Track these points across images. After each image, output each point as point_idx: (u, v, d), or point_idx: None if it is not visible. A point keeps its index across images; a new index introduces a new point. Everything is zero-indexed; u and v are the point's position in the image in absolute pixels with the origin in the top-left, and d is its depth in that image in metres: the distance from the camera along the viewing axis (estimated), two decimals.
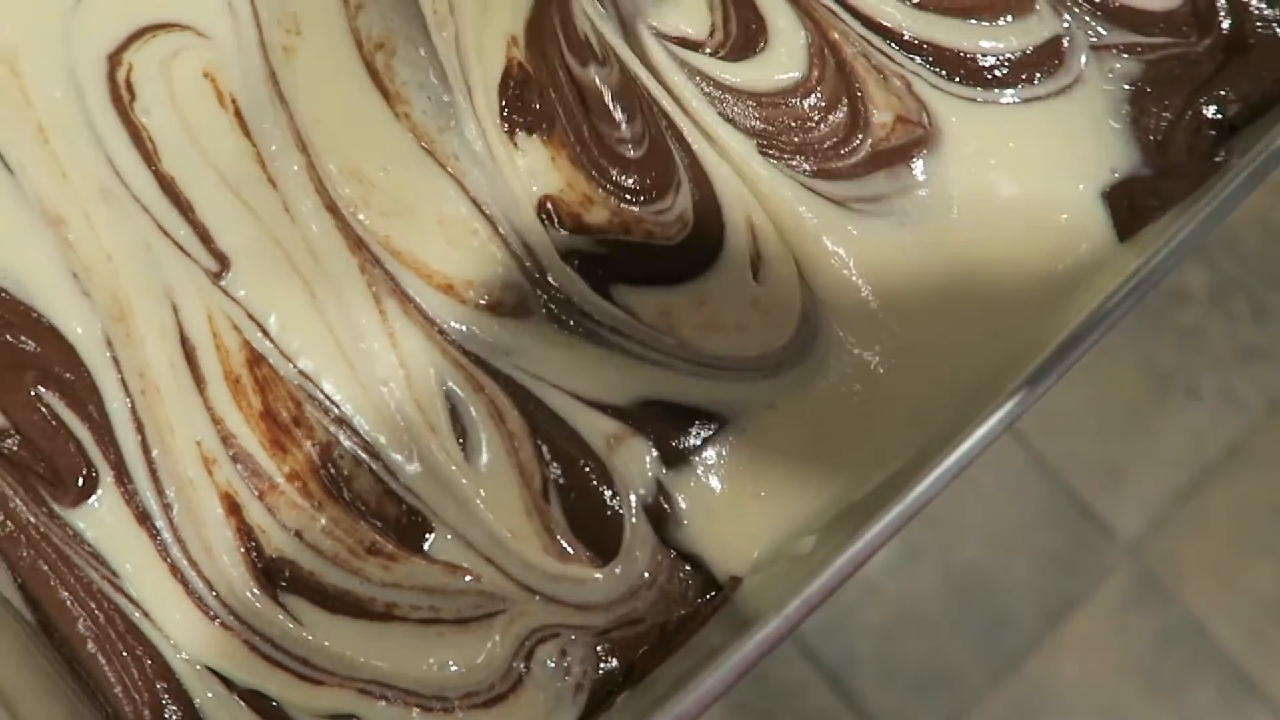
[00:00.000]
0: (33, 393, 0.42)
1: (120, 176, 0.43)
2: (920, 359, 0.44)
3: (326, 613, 0.41)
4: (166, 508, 0.41)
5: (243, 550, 0.41)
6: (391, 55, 0.45)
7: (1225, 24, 0.48)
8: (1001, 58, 0.47)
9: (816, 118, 0.46)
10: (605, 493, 0.43)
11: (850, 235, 0.45)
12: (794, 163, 0.45)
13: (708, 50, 0.47)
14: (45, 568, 0.40)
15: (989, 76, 0.47)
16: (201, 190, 0.43)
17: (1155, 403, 0.93)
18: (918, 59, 0.47)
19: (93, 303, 0.42)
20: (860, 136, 0.46)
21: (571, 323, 0.44)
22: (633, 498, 0.43)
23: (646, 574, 0.42)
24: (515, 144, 0.44)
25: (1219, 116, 0.47)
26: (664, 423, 0.44)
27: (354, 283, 0.43)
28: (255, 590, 0.41)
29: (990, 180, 0.46)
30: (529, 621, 0.41)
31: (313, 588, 0.41)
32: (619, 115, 0.44)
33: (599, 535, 0.42)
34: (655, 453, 0.43)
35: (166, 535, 0.41)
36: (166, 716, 0.40)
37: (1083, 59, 0.48)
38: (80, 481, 0.41)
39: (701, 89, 0.46)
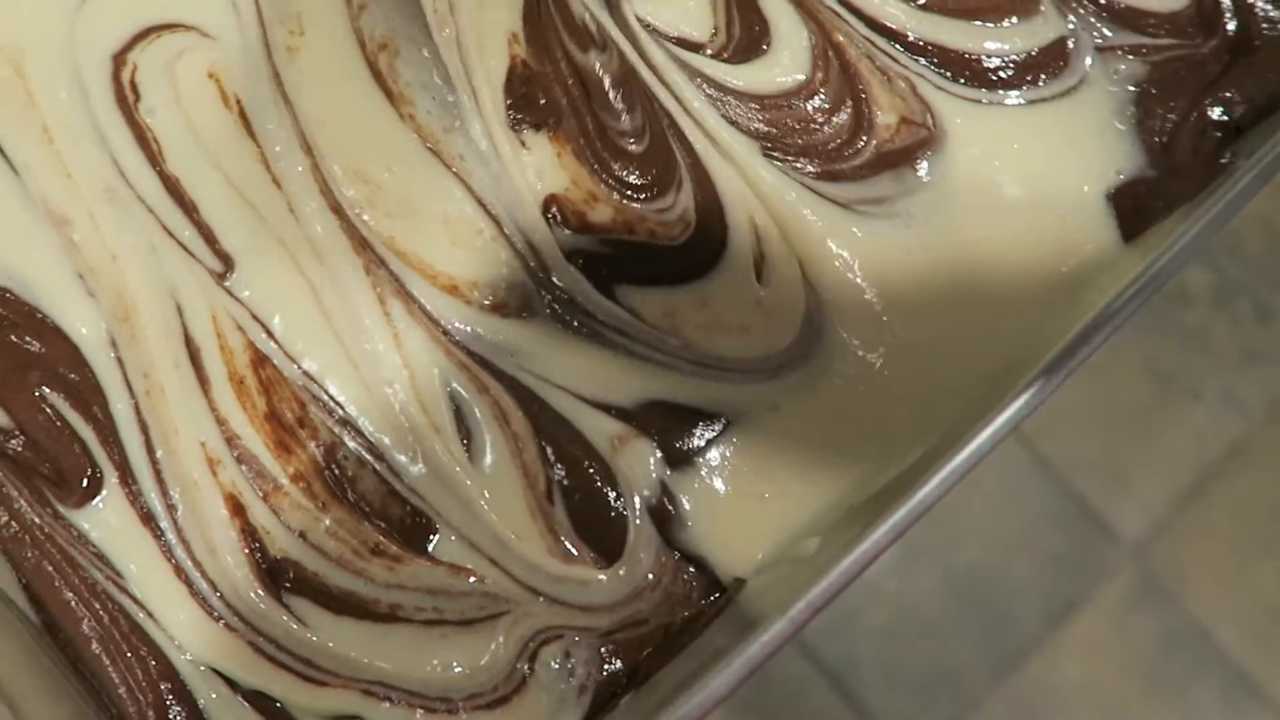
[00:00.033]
0: (37, 393, 0.42)
1: (125, 177, 0.43)
2: (924, 360, 0.44)
3: (331, 614, 0.41)
4: (171, 508, 0.41)
5: (247, 551, 0.41)
6: (395, 56, 0.45)
7: (1231, 25, 0.48)
8: (1006, 59, 0.47)
9: (820, 120, 0.46)
10: (609, 494, 0.43)
11: (855, 237, 0.45)
12: (798, 165, 0.45)
13: (709, 52, 0.47)
14: (50, 568, 0.40)
15: (994, 78, 0.47)
16: (206, 191, 0.43)
17: (1158, 404, 0.92)
18: (922, 60, 0.47)
19: (98, 303, 0.42)
20: (865, 138, 0.46)
21: (575, 323, 0.44)
22: (637, 499, 0.43)
23: (650, 575, 0.42)
24: (523, 142, 0.44)
25: (1224, 118, 0.47)
26: (668, 424, 0.44)
27: (359, 283, 0.43)
28: (259, 591, 0.41)
29: (995, 182, 0.46)
30: (533, 623, 0.41)
31: (317, 589, 0.41)
32: (619, 105, 0.44)
33: (603, 537, 0.42)
34: (659, 454, 0.43)
35: (171, 536, 0.41)
36: (171, 717, 0.40)
37: (1088, 60, 0.48)
38: (85, 482, 0.41)
39: (704, 91, 0.46)
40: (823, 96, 0.46)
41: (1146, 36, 0.48)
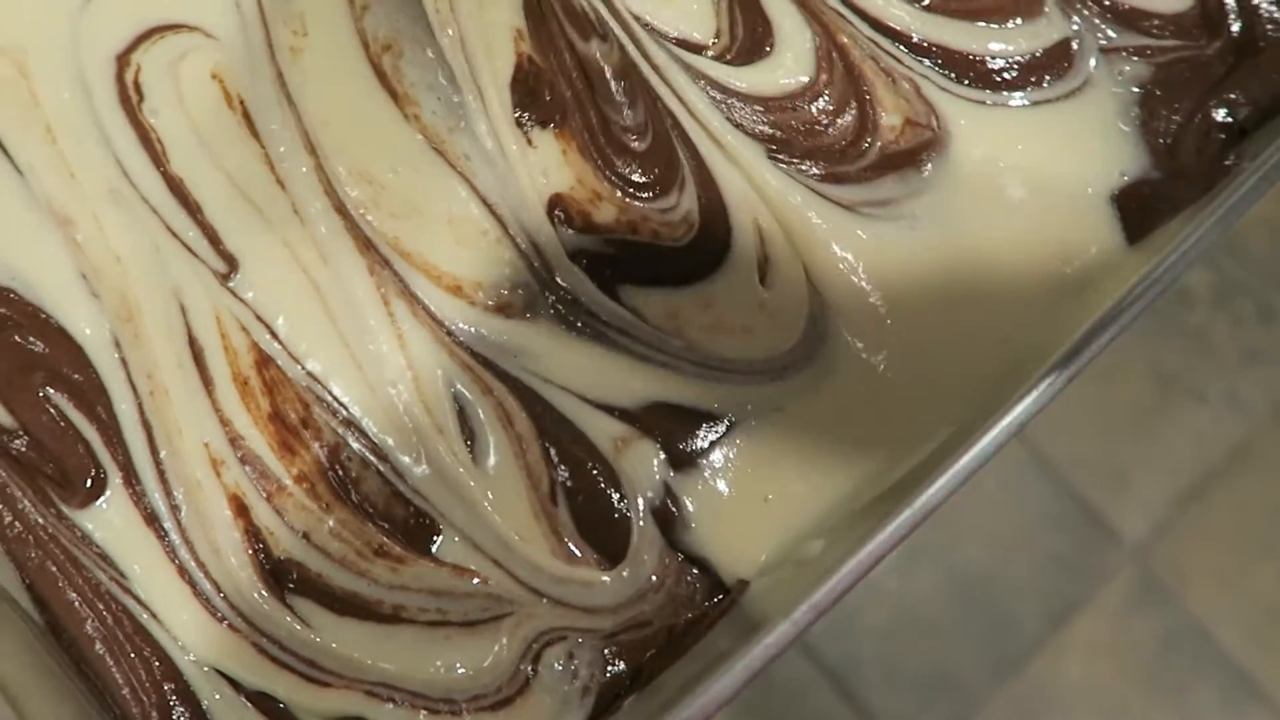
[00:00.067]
0: (41, 394, 0.42)
1: (129, 177, 0.43)
2: (928, 363, 0.44)
3: (334, 614, 0.41)
4: (174, 509, 0.41)
5: (251, 552, 0.41)
6: (399, 57, 0.45)
7: (1235, 27, 0.48)
8: (1011, 60, 0.47)
9: (825, 121, 0.46)
10: (613, 495, 0.43)
11: (859, 240, 0.45)
12: (803, 167, 0.45)
13: (712, 54, 0.46)
14: (53, 569, 0.40)
15: (998, 79, 0.47)
16: (210, 191, 0.43)
17: (1159, 405, 0.92)
18: (926, 61, 0.47)
19: (101, 304, 0.42)
20: (869, 140, 0.46)
21: (579, 324, 0.44)
22: (640, 500, 0.43)
23: (654, 577, 0.42)
24: (529, 140, 0.44)
25: (1229, 120, 0.47)
26: (671, 425, 0.44)
27: (363, 284, 0.43)
28: (263, 592, 0.40)
29: (999, 183, 0.46)
30: (536, 624, 0.41)
31: (320, 589, 0.41)
32: (621, 98, 0.44)
33: (606, 538, 0.42)
34: (663, 455, 0.43)
35: (174, 536, 0.41)
36: (174, 718, 0.40)
37: (1092, 62, 0.48)
38: (88, 482, 0.41)
39: (708, 93, 0.46)
40: (827, 98, 0.46)
41: (1151, 38, 0.48)
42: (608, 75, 0.44)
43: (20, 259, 0.42)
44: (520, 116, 0.44)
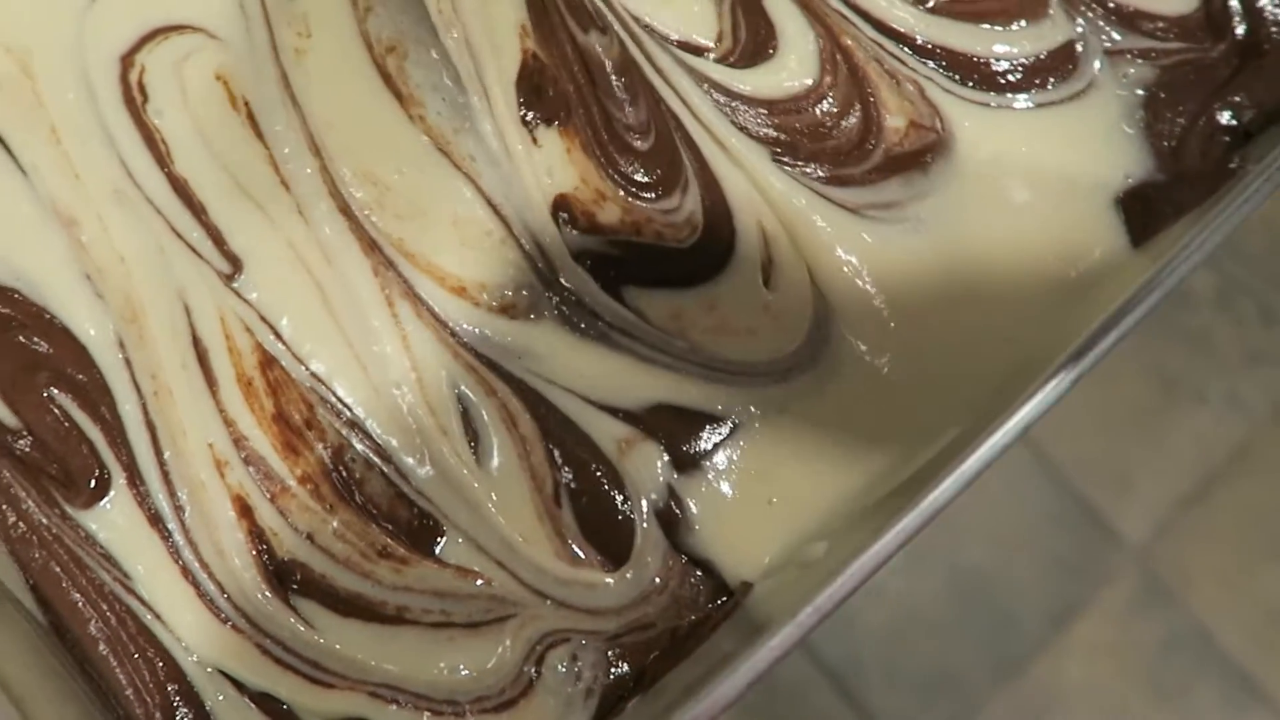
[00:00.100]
0: (45, 394, 0.42)
1: (133, 178, 0.43)
2: (932, 365, 0.44)
3: (338, 616, 0.41)
4: (178, 510, 0.41)
5: (254, 553, 0.41)
6: (403, 58, 0.45)
7: (1240, 29, 0.48)
8: (1015, 62, 0.47)
9: (829, 124, 0.46)
10: (616, 497, 0.43)
11: (864, 243, 0.44)
12: (808, 170, 0.45)
13: (715, 57, 0.46)
14: (57, 569, 0.40)
15: (1002, 81, 0.47)
16: (214, 192, 0.43)
17: (1161, 406, 0.92)
18: (930, 63, 0.47)
19: (105, 304, 0.42)
20: (873, 142, 0.46)
21: (583, 325, 0.44)
22: (644, 502, 0.43)
23: (658, 579, 0.42)
24: (534, 139, 0.43)
25: (1233, 122, 0.47)
26: (675, 427, 0.44)
27: (367, 285, 0.43)
28: (267, 593, 0.40)
29: (1003, 185, 0.46)
30: (540, 626, 0.41)
31: (324, 591, 0.41)
32: (622, 94, 0.44)
33: (610, 540, 0.42)
34: (666, 457, 0.43)
35: (178, 537, 0.41)
36: (178, 719, 0.40)
37: (1096, 64, 0.48)
38: (92, 483, 0.41)
39: (712, 96, 0.46)
40: (831, 100, 0.46)
41: (1155, 40, 0.48)
42: (608, 69, 0.44)
43: (25, 259, 0.42)
44: (525, 115, 0.44)
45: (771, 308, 0.44)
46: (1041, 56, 0.47)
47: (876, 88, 0.46)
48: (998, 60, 0.47)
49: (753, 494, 0.43)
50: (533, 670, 0.41)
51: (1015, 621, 0.89)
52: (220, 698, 0.40)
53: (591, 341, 0.44)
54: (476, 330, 0.43)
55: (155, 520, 0.41)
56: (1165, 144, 0.47)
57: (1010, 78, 0.47)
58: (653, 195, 0.44)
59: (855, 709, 0.86)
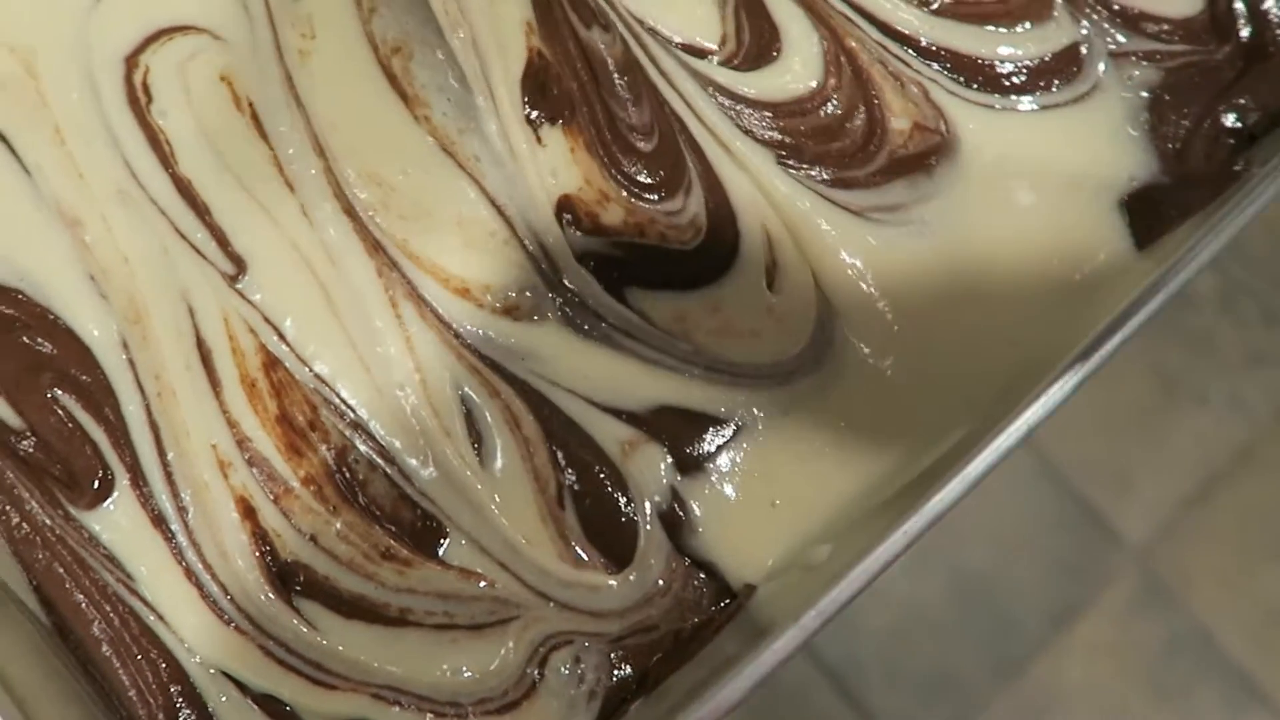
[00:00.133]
0: (49, 395, 0.42)
1: (137, 179, 0.43)
2: (936, 367, 0.44)
3: (341, 617, 0.41)
4: (182, 511, 0.41)
5: (258, 554, 0.41)
6: (409, 59, 0.45)
7: (1245, 31, 0.48)
8: (1020, 64, 0.47)
9: (834, 126, 0.46)
10: (620, 499, 0.43)
11: (869, 245, 0.44)
12: (812, 172, 0.45)
13: (718, 59, 0.46)
14: (61, 570, 0.40)
15: (1007, 83, 0.47)
16: (218, 193, 0.43)
17: (1162, 407, 0.92)
18: (935, 65, 0.47)
19: (109, 305, 0.42)
20: (877, 144, 0.46)
21: (586, 327, 0.44)
22: (647, 504, 0.43)
23: (661, 581, 0.42)
24: (539, 139, 0.43)
25: (1238, 125, 0.47)
26: (678, 429, 0.43)
27: (371, 286, 0.43)
28: (270, 594, 0.40)
29: (1008, 188, 0.46)
30: (543, 628, 0.41)
31: (327, 592, 0.41)
32: (625, 94, 0.44)
33: (613, 542, 0.42)
34: (670, 459, 0.43)
35: (182, 538, 0.41)
36: None
37: (1101, 66, 0.48)
38: (96, 484, 0.41)
39: (717, 99, 0.45)
40: (835, 103, 0.46)
41: (1160, 42, 0.48)
42: (610, 67, 0.44)
43: (28, 260, 0.42)
44: (530, 113, 0.44)
45: (775, 310, 0.44)
46: (1046, 59, 0.47)
47: (881, 90, 0.46)
48: (1002, 62, 0.47)
49: (756, 496, 0.43)
50: (536, 672, 0.41)
51: (1016, 622, 0.89)
52: (223, 699, 0.40)
53: (595, 343, 0.44)
54: (480, 331, 0.43)
55: (158, 521, 0.41)
56: (1170, 146, 0.47)
57: (1015, 80, 0.47)
58: (656, 197, 0.44)
59: (856, 709, 0.86)
